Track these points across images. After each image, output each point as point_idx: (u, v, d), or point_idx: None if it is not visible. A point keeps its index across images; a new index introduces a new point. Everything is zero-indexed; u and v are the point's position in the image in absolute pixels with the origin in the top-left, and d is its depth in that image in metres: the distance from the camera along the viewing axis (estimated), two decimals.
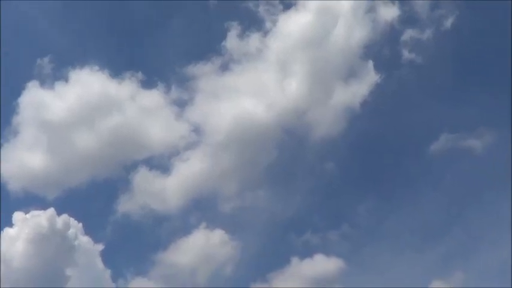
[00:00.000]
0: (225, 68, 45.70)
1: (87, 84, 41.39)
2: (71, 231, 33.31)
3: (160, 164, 44.70)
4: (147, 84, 42.94)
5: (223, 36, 45.80)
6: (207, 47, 47.07)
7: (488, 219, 47.70)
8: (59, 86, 41.94)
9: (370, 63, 47.01)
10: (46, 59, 41.73)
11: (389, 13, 46.52)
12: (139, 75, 42.79)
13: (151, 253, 41.67)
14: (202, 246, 45.21)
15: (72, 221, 33.93)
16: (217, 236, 45.29)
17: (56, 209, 34.31)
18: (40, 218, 32.75)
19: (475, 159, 48.17)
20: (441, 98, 50.70)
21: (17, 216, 32.64)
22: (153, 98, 46.67)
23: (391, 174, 48.90)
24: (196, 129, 47.21)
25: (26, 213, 33.41)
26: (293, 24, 46.89)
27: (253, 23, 46.25)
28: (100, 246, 36.62)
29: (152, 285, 39.60)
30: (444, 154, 47.69)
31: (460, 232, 47.52)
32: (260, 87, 46.39)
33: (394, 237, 47.29)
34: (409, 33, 46.84)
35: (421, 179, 48.51)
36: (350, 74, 46.94)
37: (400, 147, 48.88)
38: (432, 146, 46.98)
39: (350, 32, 47.60)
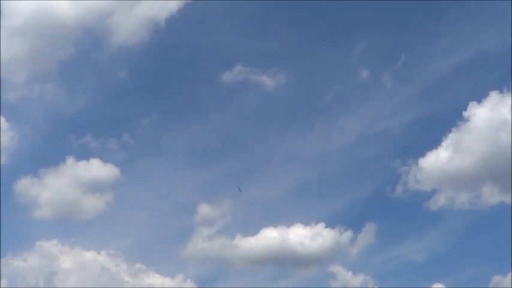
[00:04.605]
0: None
1: None
2: None
3: None
4: None
5: None
6: None
7: (265, 153, 51.45)
8: None
9: None
10: None
11: None
12: None
13: None
14: None
15: None
16: None
17: None
18: None
19: (264, 96, 51.25)
20: (246, 30, 52.49)
21: None
22: None
23: (180, 92, 50.27)
24: None
25: None
26: None
27: None
28: None
29: None
30: (235, 84, 50.03)
31: (236, 162, 50.77)
32: None
33: (172, 154, 49.27)
34: None
35: (209, 103, 50.58)
36: None
37: (195, 68, 50.26)
38: (225, 74, 49.06)
39: None
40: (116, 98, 48.38)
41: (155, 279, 43.03)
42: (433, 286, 44.66)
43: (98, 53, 46.81)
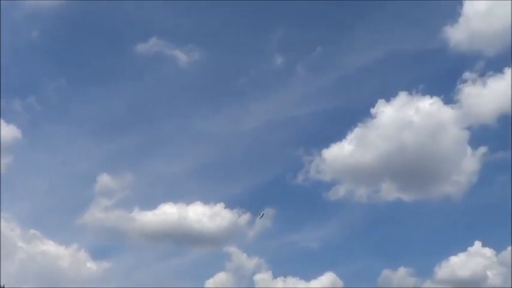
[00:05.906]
0: None
1: None
2: None
3: None
4: None
5: None
6: None
7: (172, 129, 51.53)
8: None
9: None
10: None
11: None
12: None
13: None
14: None
15: None
16: None
17: None
18: None
19: (177, 71, 51.26)
20: (166, 3, 52.07)
21: None
22: None
23: (92, 59, 49.89)
24: None
25: None
26: None
27: None
28: None
29: None
30: (149, 56, 49.84)
31: (142, 135, 50.79)
32: None
33: (77, 122, 48.95)
34: None
35: (120, 72, 50.40)
36: None
37: (110, 37, 49.85)
38: (140, 46, 48.72)
39: None
40: (25, 58, 47.58)
41: (49, 246, 43.10)
42: (324, 274, 46.50)
43: (11, 11, 45.72)
